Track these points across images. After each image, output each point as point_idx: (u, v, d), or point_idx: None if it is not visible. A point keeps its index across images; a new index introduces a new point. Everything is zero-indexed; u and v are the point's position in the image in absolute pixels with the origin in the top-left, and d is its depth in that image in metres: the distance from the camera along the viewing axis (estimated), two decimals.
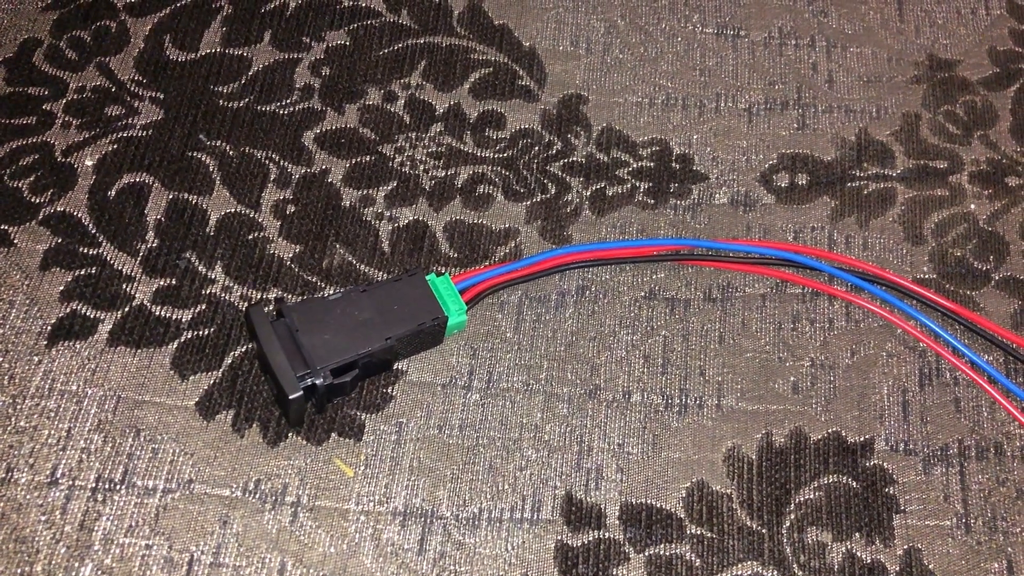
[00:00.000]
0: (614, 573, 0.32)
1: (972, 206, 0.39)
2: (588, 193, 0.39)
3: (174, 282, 0.36)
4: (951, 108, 0.41)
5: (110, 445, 0.33)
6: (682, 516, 0.33)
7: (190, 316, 0.35)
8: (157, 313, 0.35)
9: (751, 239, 0.38)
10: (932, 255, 0.38)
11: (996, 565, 0.32)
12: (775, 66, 0.42)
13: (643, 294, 0.37)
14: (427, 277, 0.34)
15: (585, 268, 0.37)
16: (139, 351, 0.35)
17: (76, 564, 0.31)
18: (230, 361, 0.35)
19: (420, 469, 0.33)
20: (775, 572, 0.32)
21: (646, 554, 0.32)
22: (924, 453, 0.34)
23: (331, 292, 0.34)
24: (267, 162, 0.39)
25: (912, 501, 0.33)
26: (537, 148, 0.40)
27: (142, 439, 0.33)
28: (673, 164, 0.40)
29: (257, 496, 0.32)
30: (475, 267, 0.37)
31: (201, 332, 0.35)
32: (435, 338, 0.34)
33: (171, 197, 0.38)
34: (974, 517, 0.33)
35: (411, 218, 0.38)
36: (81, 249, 0.37)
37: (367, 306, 0.33)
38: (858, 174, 0.40)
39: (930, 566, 0.32)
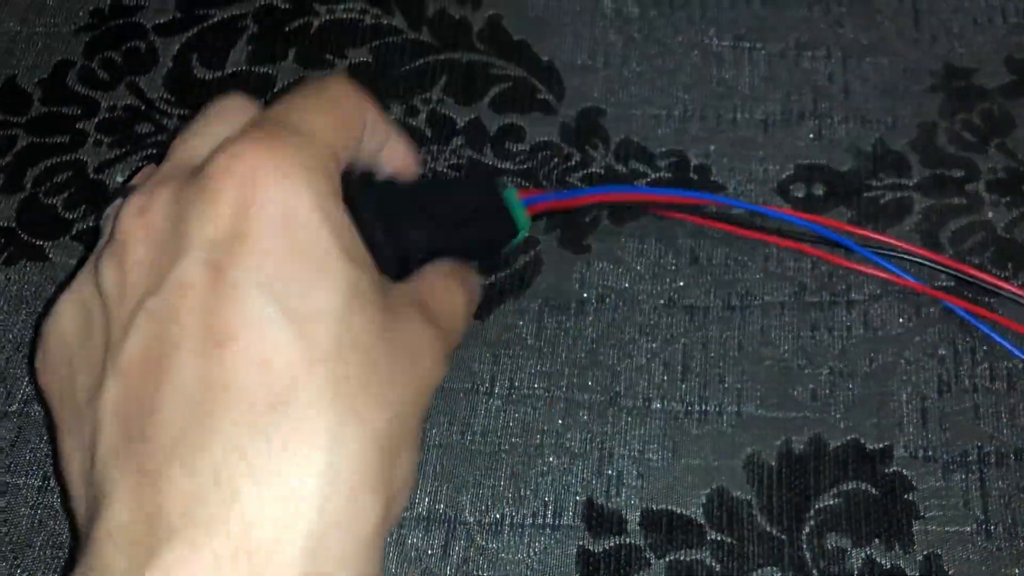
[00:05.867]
0: None
1: (989, 214, 0.39)
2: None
3: None
4: (968, 116, 0.42)
5: None
6: (702, 522, 0.33)
7: None
8: None
9: (793, 210, 0.38)
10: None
11: (1017, 571, 0.32)
12: (791, 77, 0.43)
13: (663, 302, 0.37)
14: (503, 189, 0.32)
15: (635, 208, 0.38)
16: None
17: None
18: None
19: (443, 475, 0.34)
20: None
21: (667, 559, 0.32)
22: (943, 459, 0.34)
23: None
24: None
25: (931, 507, 0.33)
26: (556, 160, 0.40)
27: None
28: (691, 175, 0.40)
29: None
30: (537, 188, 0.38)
31: None
32: (494, 252, 0.33)
33: None
34: (994, 523, 0.33)
35: None
36: None
37: (432, 198, 0.29)
38: (874, 183, 0.40)
39: (950, 572, 0.32)
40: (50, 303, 0.24)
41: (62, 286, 0.37)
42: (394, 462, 0.21)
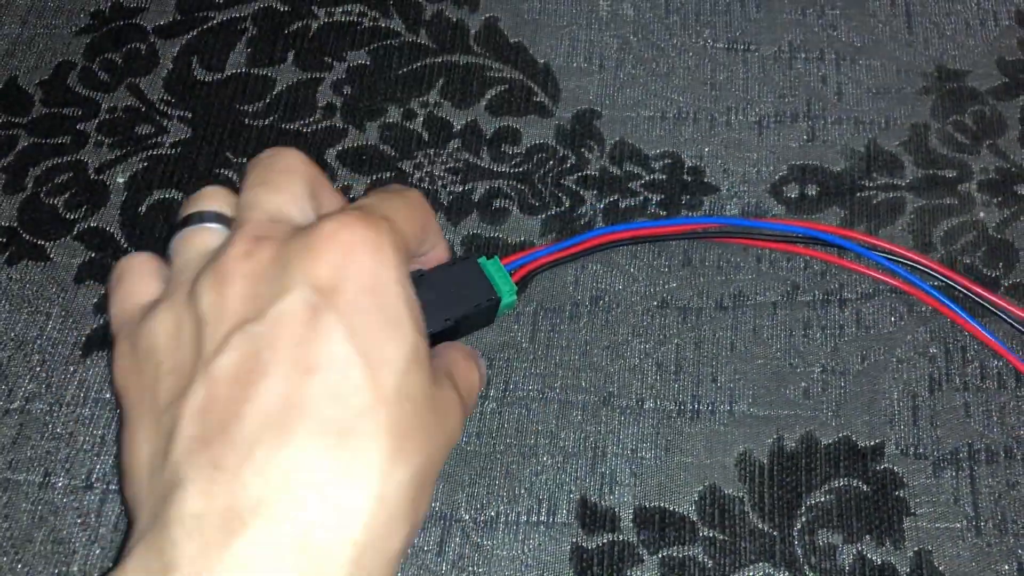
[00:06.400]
0: (628, 574, 0.33)
1: (981, 214, 0.40)
2: (601, 206, 0.40)
3: None
4: (960, 118, 0.42)
5: None
6: (695, 519, 0.34)
7: None
8: None
9: (787, 219, 0.39)
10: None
11: (1007, 567, 0.33)
12: (785, 79, 0.43)
13: (656, 303, 0.38)
14: (478, 260, 0.35)
15: (627, 246, 0.38)
16: None
17: (110, 564, 0.32)
18: None
19: (440, 475, 0.34)
20: (786, 573, 0.33)
21: (659, 556, 0.33)
22: (934, 457, 0.35)
23: None
24: None
25: (922, 504, 0.34)
26: (552, 162, 0.41)
27: None
28: (685, 176, 0.41)
29: None
30: (523, 249, 0.38)
31: None
32: (488, 318, 0.35)
33: None
34: (984, 520, 0.34)
35: None
36: (114, 263, 0.38)
37: (424, 291, 0.33)
38: (867, 184, 0.40)
39: (940, 568, 0.33)
40: (106, 324, 0.25)
41: (64, 286, 0.38)
42: (421, 499, 0.25)
